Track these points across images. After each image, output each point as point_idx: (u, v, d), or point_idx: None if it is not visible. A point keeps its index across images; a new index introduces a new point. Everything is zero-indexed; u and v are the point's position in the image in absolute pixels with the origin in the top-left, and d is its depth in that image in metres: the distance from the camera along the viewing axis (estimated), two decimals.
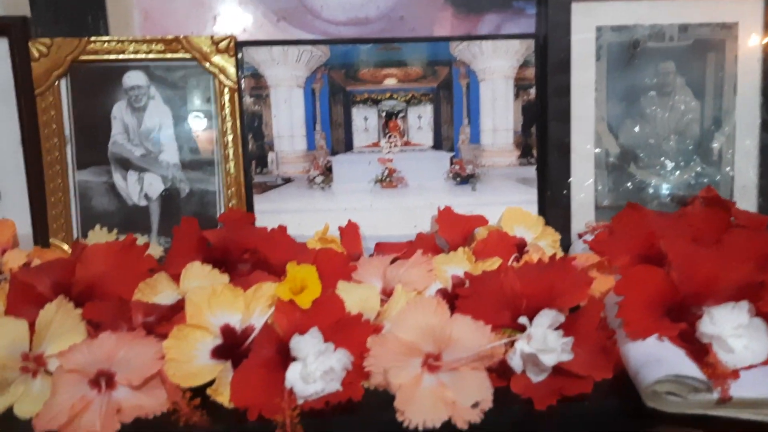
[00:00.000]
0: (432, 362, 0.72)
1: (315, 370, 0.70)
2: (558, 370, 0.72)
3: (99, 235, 1.02)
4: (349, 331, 0.75)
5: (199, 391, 0.70)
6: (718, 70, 1.06)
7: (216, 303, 0.76)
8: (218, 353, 0.74)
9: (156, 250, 0.99)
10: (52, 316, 0.75)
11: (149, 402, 0.70)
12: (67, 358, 0.71)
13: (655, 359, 0.70)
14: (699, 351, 0.72)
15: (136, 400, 0.70)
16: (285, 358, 0.72)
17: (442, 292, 0.86)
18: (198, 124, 1.05)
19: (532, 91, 1.07)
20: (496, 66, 1.06)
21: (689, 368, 0.69)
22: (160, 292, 0.84)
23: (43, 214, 1.04)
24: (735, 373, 0.70)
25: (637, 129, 1.07)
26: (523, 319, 0.74)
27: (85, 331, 0.76)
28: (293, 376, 0.70)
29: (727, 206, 0.96)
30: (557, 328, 0.73)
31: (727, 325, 0.72)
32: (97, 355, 0.71)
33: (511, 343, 0.73)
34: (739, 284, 0.76)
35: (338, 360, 0.71)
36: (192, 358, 0.73)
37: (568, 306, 0.76)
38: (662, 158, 1.07)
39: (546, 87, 1.05)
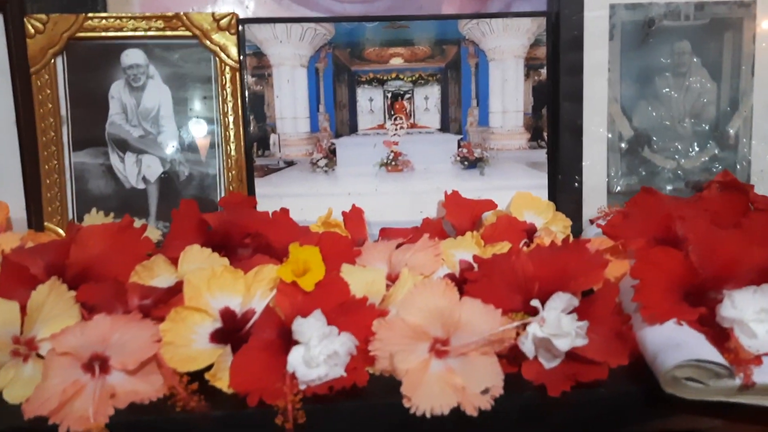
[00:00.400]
0: (440, 347, 0.69)
1: (318, 354, 0.67)
2: (572, 355, 0.69)
3: (95, 219, 0.99)
4: (353, 315, 0.73)
5: (197, 376, 0.67)
6: (735, 50, 1.03)
7: (216, 285, 0.73)
8: (217, 337, 0.71)
9: (154, 234, 0.96)
10: (45, 298, 0.73)
11: (145, 387, 0.68)
12: (59, 340, 0.68)
13: (675, 344, 0.67)
14: (720, 336, 0.70)
15: (131, 384, 0.68)
16: (287, 342, 0.70)
17: (450, 277, 0.83)
18: (198, 105, 1.03)
19: (543, 72, 1.04)
20: (506, 45, 1.03)
21: (710, 353, 0.66)
22: (157, 275, 0.81)
23: (38, 197, 1.01)
24: (758, 359, 0.67)
25: (651, 111, 1.03)
26: (535, 302, 0.71)
27: (79, 314, 0.74)
28: (295, 359, 0.68)
29: (745, 190, 0.94)
30: (571, 312, 0.70)
31: (749, 309, 0.70)
32: (91, 338, 0.68)
33: (523, 327, 0.70)
34: (760, 267, 0.73)
35: (342, 344, 0.69)
36: (190, 342, 0.70)
37: (582, 289, 0.73)
38: (677, 142, 1.04)
39: (558, 67, 1.02)
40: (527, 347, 0.70)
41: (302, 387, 0.67)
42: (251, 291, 0.74)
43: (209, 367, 0.68)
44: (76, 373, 0.67)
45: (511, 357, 0.71)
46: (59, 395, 0.65)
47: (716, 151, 1.04)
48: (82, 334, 0.68)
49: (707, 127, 1.04)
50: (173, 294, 0.75)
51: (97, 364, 0.68)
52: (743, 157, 1.04)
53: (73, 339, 0.68)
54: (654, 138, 1.04)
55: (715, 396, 0.65)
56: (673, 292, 0.73)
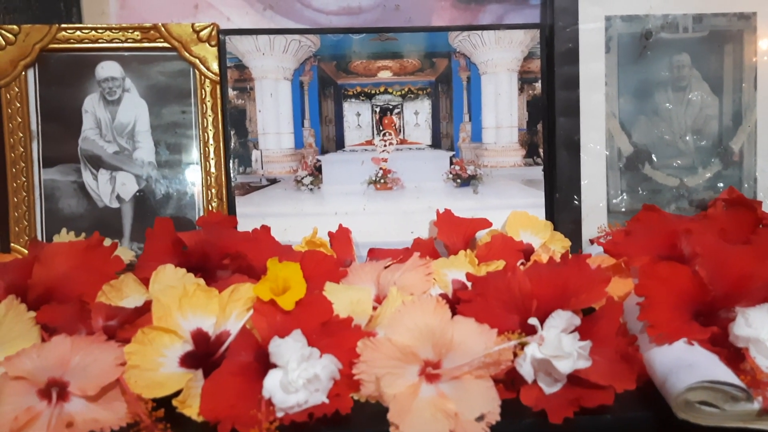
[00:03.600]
0: (431, 370, 0.65)
1: (297, 378, 0.62)
2: (574, 379, 0.64)
3: (65, 240, 0.93)
4: (337, 337, 0.68)
5: (164, 403, 0.62)
6: (736, 63, 0.99)
7: (187, 305, 0.68)
8: (188, 361, 0.66)
9: (127, 255, 0.91)
10: (1, 318, 0.68)
11: (106, 415, 0.63)
12: (13, 363, 0.63)
13: (686, 364, 0.63)
14: (734, 356, 0.65)
15: (92, 413, 0.63)
16: (264, 365, 0.65)
17: (443, 298, 0.77)
18: (176, 119, 0.98)
19: (538, 85, 1.00)
20: (499, 58, 1.00)
21: (725, 374, 0.61)
22: (126, 295, 0.76)
23: (5, 216, 0.96)
24: None
25: (651, 126, 0.99)
26: (533, 320, 0.66)
27: (39, 336, 0.69)
28: (272, 384, 0.63)
29: (753, 207, 0.90)
30: (572, 332, 0.66)
31: (764, 328, 0.65)
32: (49, 361, 0.63)
33: (521, 348, 0.65)
34: None
35: (324, 367, 0.64)
36: (158, 366, 0.65)
37: (583, 306, 0.69)
38: (679, 158, 1.00)
39: (553, 80, 0.99)
40: (526, 370, 0.65)
41: (279, 414, 0.62)
42: (226, 311, 0.69)
43: (177, 393, 0.63)
44: (30, 399, 0.62)
45: (509, 381, 0.66)
46: (10, 423, 0.60)
47: (720, 168, 1.00)
48: (39, 357, 0.63)
49: (710, 143, 1.00)
50: (141, 314, 0.70)
51: (55, 390, 0.63)
52: (749, 175, 1.00)
53: (28, 362, 0.63)
54: (654, 154, 1.00)
55: (732, 422, 0.60)
56: (682, 310, 0.69)
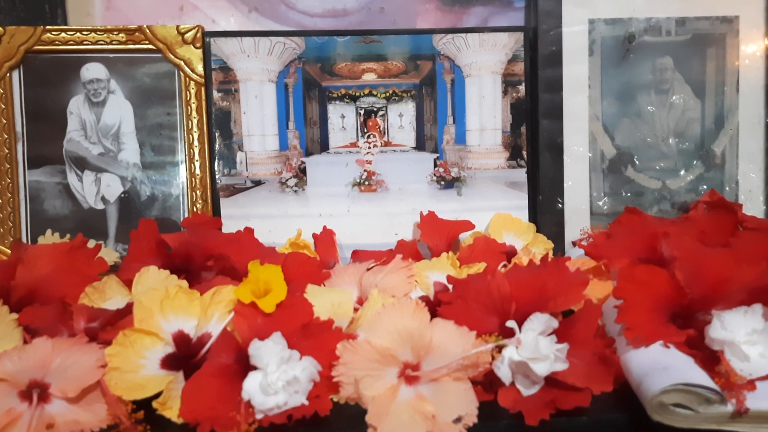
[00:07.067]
0: (410, 372, 0.65)
1: (276, 379, 0.63)
2: (551, 381, 0.65)
3: (50, 241, 0.94)
4: (317, 339, 0.68)
5: (145, 405, 0.62)
6: (719, 66, 1.00)
7: (169, 307, 0.69)
8: (169, 363, 0.67)
9: (111, 256, 0.91)
10: None
11: (87, 417, 0.63)
12: None
13: (661, 367, 0.63)
14: (709, 359, 0.66)
15: (72, 414, 0.63)
16: (244, 367, 0.65)
17: (424, 300, 0.78)
18: (161, 121, 0.98)
19: (522, 88, 1.01)
20: (483, 61, 1.00)
21: (700, 376, 0.62)
22: (109, 297, 0.77)
23: None
24: (751, 384, 0.63)
25: (633, 129, 1.00)
26: (511, 323, 0.66)
27: (21, 338, 0.69)
28: (252, 386, 0.63)
29: (734, 210, 0.90)
30: (550, 334, 0.66)
31: (740, 331, 0.66)
32: (30, 363, 0.63)
33: (499, 351, 0.66)
34: (751, 287, 0.69)
35: (304, 369, 0.64)
36: (138, 368, 0.65)
37: (562, 309, 0.69)
38: (661, 161, 1.01)
39: (536, 83, 0.99)
40: (503, 372, 0.65)
41: (259, 416, 0.62)
42: (208, 313, 0.70)
43: (158, 395, 0.63)
44: (11, 401, 0.63)
45: (487, 383, 0.67)
46: None
47: (702, 171, 1.01)
48: (20, 359, 0.64)
49: (692, 146, 1.01)
50: (123, 316, 0.70)
51: (36, 391, 0.63)
52: (731, 178, 1.00)
53: (9, 364, 0.63)
54: (637, 157, 1.00)
55: (706, 424, 0.61)
56: (659, 313, 0.70)
